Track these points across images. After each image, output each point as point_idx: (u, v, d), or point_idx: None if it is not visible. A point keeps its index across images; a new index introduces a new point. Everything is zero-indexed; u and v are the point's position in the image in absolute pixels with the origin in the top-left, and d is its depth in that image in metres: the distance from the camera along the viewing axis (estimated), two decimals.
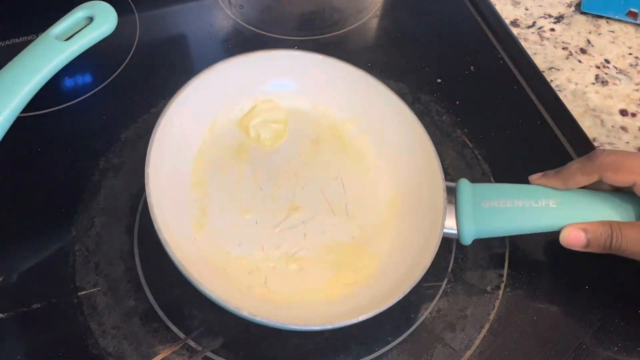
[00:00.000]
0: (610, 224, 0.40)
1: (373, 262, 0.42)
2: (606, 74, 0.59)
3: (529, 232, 0.42)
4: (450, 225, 0.42)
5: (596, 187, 0.43)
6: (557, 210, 0.42)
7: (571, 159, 0.51)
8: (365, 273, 0.42)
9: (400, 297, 0.37)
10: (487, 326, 0.42)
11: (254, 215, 0.43)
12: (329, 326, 0.36)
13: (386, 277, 0.41)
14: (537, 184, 0.43)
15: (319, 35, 0.61)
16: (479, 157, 0.51)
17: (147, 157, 0.39)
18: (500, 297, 0.43)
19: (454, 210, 0.42)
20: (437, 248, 0.40)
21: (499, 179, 0.49)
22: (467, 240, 0.42)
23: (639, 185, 0.40)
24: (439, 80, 0.56)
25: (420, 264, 0.39)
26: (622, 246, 0.40)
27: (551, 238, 0.46)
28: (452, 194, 0.43)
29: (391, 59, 0.58)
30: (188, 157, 0.43)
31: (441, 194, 0.42)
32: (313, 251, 0.42)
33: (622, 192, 0.42)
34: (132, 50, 0.57)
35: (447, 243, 0.45)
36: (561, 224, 0.41)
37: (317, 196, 0.44)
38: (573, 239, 0.41)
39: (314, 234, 0.42)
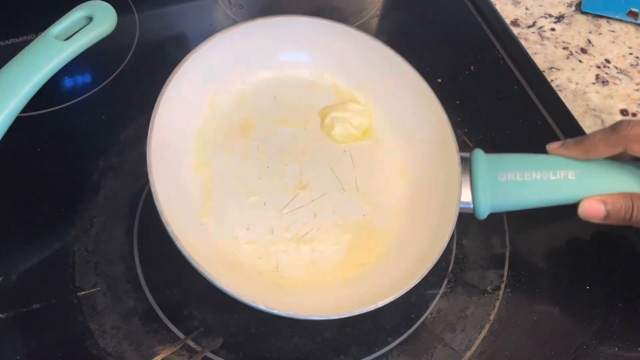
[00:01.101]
0: (631, 196, 0.39)
1: (386, 240, 0.41)
2: (607, 73, 0.59)
3: (547, 205, 0.41)
4: (465, 199, 0.40)
5: (616, 158, 0.42)
6: (576, 182, 0.40)
7: None
8: (378, 251, 0.40)
9: (418, 280, 0.36)
10: (487, 326, 0.42)
11: (261, 197, 0.41)
12: (347, 314, 0.34)
13: (400, 256, 0.39)
14: (556, 154, 0.42)
15: None
16: None
17: (148, 140, 0.36)
18: (500, 297, 0.43)
19: (468, 182, 0.41)
20: (454, 223, 0.38)
21: None
22: (482, 214, 0.41)
23: None
24: (439, 80, 0.56)
25: (437, 242, 0.37)
26: None
27: (552, 238, 0.46)
28: (466, 165, 0.41)
29: None
30: (189, 137, 0.41)
31: (456, 167, 0.41)
32: (324, 231, 0.40)
33: None
34: (132, 50, 0.57)
35: (447, 242, 0.45)
36: (580, 196, 0.40)
37: (326, 172, 0.42)
38: (592, 211, 0.40)
39: (324, 213, 0.41)
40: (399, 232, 0.41)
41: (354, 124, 0.43)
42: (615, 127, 0.40)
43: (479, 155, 0.42)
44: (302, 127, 0.44)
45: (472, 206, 0.41)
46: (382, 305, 0.35)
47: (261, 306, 0.33)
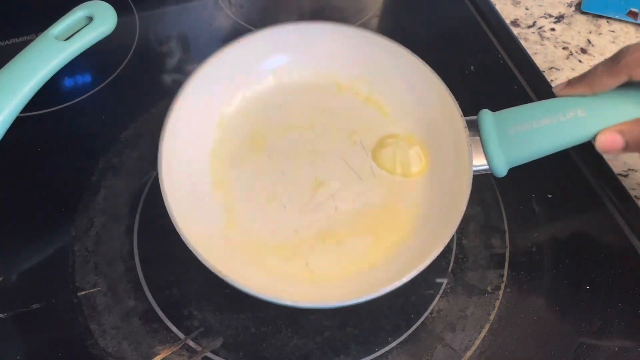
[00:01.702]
0: None
1: (408, 219, 0.42)
2: None
3: (563, 148, 0.41)
4: (480, 162, 0.41)
5: (624, 86, 0.40)
6: (587, 119, 0.40)
7: (571, 158, 0.51)
8: (403, 231, 0.41)
9: (442, 249, 0.36)
10: (487, 326, 0.42)
11: (281, 201, 0.41)
12: (371, 296, 0.35)
13: (424, 231, 0.40)
14: (563, 95, 0.41)
15: None
16: None
17: (159, 169, 0.37)
18: (500, 297, 0.43)
19: (480, 145, 0.41)
20: (469, 189, 0.39)
21: (498, 179, 0.49)
22: (501, 172, 0.41)
23: None
24: None
25: (455, 210, 0.38)
26: None
27: (552, 239, 0.46)
28: (475, 128, 0.42)
29: None
30: (203, 160, 0.42)
31: (463, 131, 0.41)
32: (347, 221, 0.41)
33: None
34: (132, 50, 0.57)
35: (447, 243, 0.45)
36: (594, 131, 0.39)
37: (340, 165, 0.43)
38: (610, 143, 0.39)
39: (344, 205, 0.41)
40: (419, 208, 0.42)
41: (401, 161, 0.43)
42: (616, 56, 0.40)
43: (485, 115, 0.42)
44: (309, 129, 0.44)
45: (487, 167, 0.41)
46: (409, 279, 0.35)
47: (288, 302, 0.34)
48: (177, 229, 0.35)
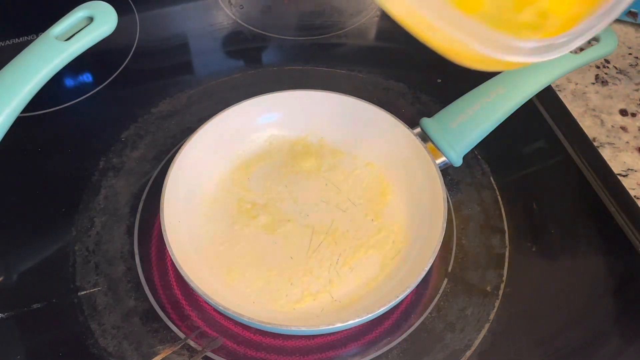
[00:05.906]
0: None
1: (401, 227, 0.45)
2: (606, 74, 0.59)
3: (499, 123, 0.47)
4: (440, 159, 0.46)
5: None
6: (507, 93, 0.46)
7: (571, 159, 0.51)
8: (401, 238, 0.45)
9: (441, 239, 0.40)
10: (487, 326, 0.42)
11: (286, 255, 0.44)
12: (394, 302, 0.38)
13: (418, 232, 0.44)
14: None
15: (319, 35, 0.61)
16: (479, 157, 0.51)
17: (175, 263, 0.39)
18: (500, 297, 0.43)
19: (434, 147, 0.46)
20: (442, 183, 0.43)
21: (499, 179, 0.50)
22: (458, 161, 0.46)
23: None
24: (439, 80, 0.56)
25: (438, 204, 0.42)
26: None
27: (552, 238, 0.46)
28: (425, 136, 0.47)
29: (391, 59, 0.58)
30: (207, 247, 0.44)
31: (416, 140, 0.46)
32: (351, 250, 0.44)
33: None
34: (132, 50, 0.57)
35: (447, 242, 0.45)
36: (515, 103, 0.46)
37: (322, 207, 0.47)
38: None
39: (341, 237, 0.45)
40: (406, 215, 0.46)
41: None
42: None
43: (426, 121, 0.47)
44: (283, 189, 0.48)
45: (447, 160, 0.46)
46: (419, 280, 0.39)
47: (324, 327, 0.38)
48: (218, 306, 0.37)
